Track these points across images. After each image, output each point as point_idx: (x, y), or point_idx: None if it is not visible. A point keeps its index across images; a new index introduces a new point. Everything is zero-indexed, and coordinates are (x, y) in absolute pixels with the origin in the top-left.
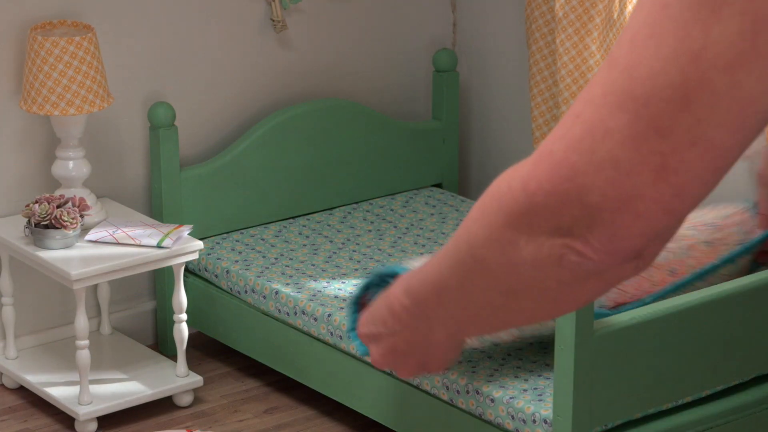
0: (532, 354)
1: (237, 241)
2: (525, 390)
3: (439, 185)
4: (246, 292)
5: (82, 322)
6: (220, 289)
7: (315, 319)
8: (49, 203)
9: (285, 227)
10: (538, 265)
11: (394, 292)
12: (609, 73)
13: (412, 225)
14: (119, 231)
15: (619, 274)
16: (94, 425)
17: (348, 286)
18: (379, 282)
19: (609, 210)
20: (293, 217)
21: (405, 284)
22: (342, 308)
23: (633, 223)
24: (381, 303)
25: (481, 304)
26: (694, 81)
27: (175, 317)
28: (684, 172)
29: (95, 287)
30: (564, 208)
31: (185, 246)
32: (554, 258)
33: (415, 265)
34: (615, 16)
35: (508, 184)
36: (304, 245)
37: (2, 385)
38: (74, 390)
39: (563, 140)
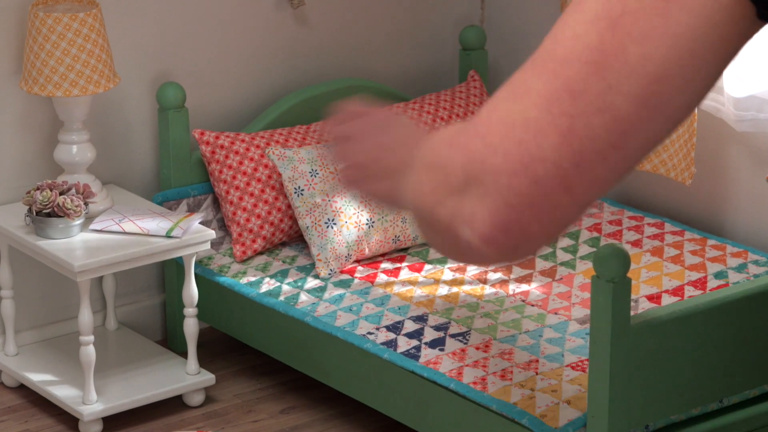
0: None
1: None
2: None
3: None
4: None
5: (86, 316)
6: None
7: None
8: (51, 190)
9: None
10: (433, 223)
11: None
12: (544, 41)
13: None
14: (126, 220)
15: (493, 259)
16: (98, 426)
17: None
18: None
19: (507, 173)
20: None
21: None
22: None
23: (529, 188)
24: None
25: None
26: (610, 46)
27: (185, 311)
28: (588, 139)
29: (100, 279)
30: (469, 166)
31: (196, 236)
32: (445, 222)
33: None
34: None
35: (442, 135)
36: None
37: (2, 383)
38: (78, 389)
39: (491, 101)
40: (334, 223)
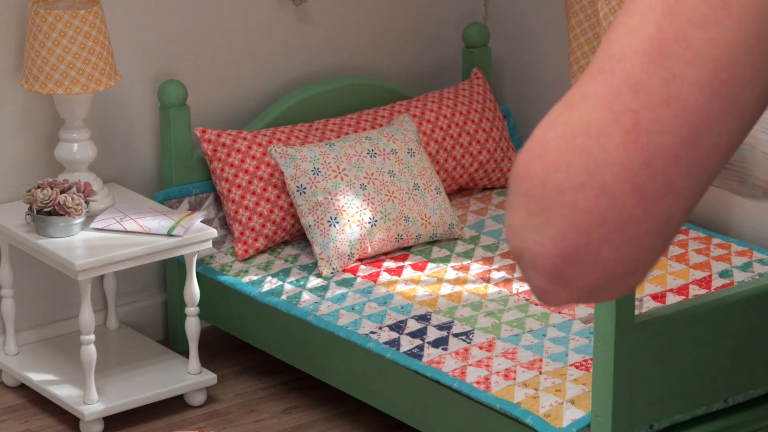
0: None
1: None
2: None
3: None
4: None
5: (87, 315)
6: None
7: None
8: (52, 188)
9: None
10: (513, 237)
11: None
12: (599, 47)
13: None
14: (127, 218)
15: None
16: (99, 426)
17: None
18: None
19: (571, 189)
20: None
21: None
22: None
23: (595, 203)
24: None
25: None
26: (669, 33)
27: (187, 310)
28: (656, 134)
29: (101, 278)
30: (531, 192)
31: (197, 234)
32: (516, 247)
33: None
34: None
35: (514, 166)
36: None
37: (2, 383)
38: (79, 388)
39: (545, 119)
40: (337, 222)
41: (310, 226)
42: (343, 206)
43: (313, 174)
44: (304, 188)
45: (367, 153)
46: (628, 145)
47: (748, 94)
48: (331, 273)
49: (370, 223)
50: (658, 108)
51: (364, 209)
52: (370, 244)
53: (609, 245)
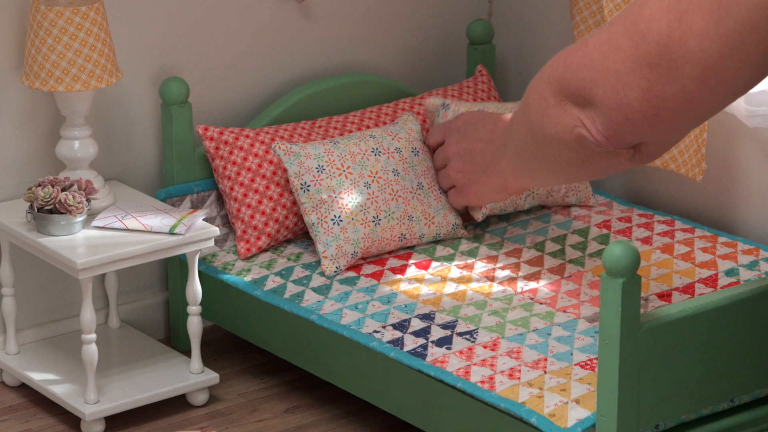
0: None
1: None
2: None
3: None
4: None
5: (88, 314)
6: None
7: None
8: (53, 186)
9: None
10: (558, 128)
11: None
12: (633, 4)
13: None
14: (128, 216)
15: (618, 159)
16: (101, 426)
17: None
18: None
19: (607, 107)
20: None
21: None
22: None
23: (623, 124)
24: (491, 114)
25: (522, 146)
26: (676, 35)
27: (189, 309)
28: (663, 100)
29: (102, 277)
30: (582, 90)
31: (199, 233)
32: (569, 126)
33: None
34: None
35: (561, 54)
36: None
37: (2, 382)
38: (80, 388)
39: (596, 37)
40: (341, 220)
41: (313, 224)
42: (346, 204)
43: (318, 172)
44: (308, 186)
45: (372, 151)
46: (643, 101)
47: (732, 84)
48: (335, 272)
49: (373, 221)
50: (665, 84)
51: (368, 208)
52: (373, 242)
53: (638, 139)
